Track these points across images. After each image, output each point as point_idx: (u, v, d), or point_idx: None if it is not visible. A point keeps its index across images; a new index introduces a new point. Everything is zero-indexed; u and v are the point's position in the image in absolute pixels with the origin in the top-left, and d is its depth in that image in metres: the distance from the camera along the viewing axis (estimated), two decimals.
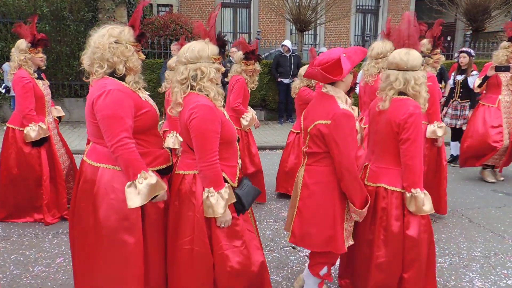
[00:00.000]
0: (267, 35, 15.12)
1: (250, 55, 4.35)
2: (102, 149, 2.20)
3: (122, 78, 2.22)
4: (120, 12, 9.12)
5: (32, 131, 3.89)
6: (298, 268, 3.35)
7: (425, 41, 4.15)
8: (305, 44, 12.08)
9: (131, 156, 2.09)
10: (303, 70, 4.71)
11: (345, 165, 2.31)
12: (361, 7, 16.25)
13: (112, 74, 2.20)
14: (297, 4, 10.80)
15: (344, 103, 2.37)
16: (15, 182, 4.01)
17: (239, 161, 2.44)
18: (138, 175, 2.10)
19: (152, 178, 2.13)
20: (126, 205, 2.09)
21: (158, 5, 15.19)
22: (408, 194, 2.44)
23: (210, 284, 2.28)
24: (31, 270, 3.26)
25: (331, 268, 2.84)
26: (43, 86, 4.07)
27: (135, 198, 2.09)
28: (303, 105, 4.59)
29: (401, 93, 2.48)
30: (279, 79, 9.56)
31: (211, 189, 2.18)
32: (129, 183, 2.11)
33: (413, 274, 2.50)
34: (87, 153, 2.30)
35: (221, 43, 2.32)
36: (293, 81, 5.60)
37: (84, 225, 2.24)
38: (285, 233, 4.00)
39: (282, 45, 9.60)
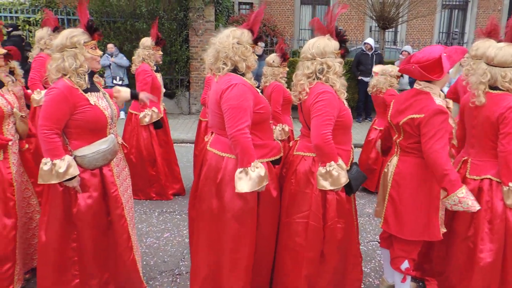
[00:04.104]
0: (346, 32, 14.98)
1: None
2: (225, 140, 2.44)
3: (242, 75, 2.46)
4: (208, 11, 9.65)
5: (146, 116, 4.46)
6: None
7: None
8: (387, 42, 11.83)
9: (248, 144, 2.31)
10: (391, 67, 4.73)
11: (432, 159, 2.34)
12: (448, 3, 15.45)
13: (234, 71, 2.45)
14: (380, 0, 10.62)
15: (439, 98, 2.44)
16: (133, 162, 4.53)
17: (352, 147, 2.66)
18: (252, 164, 2.31)
19: (262, 169, 2.34)
20: (247, 192, 2.33)
21: (239, 3, 15.75)
22: (505, 188, 2.45)
23: (319, 254, 2.55)
24: (144, 241, 3.75)
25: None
26: (160, 78, 4.65)
27: (244, 184, 2.30)
28: (384, 106, 4.58)
29: (496, 87, 2.47)
30: (359, 77, 9.52)
31: (332, 163, 2.40)
32: (240, 169, 2.32)
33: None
34: (210, 143, 2.56)
35: (341, 39, 2.49)
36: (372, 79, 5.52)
37: (206, 208, 2.52)
38: (370, 228, 4.12)
39: (365, 43, 9.54)
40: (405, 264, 2.76)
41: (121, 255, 2.65)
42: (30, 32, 9.55)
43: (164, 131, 4.76)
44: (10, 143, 2.72)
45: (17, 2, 10.24)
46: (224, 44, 2.40)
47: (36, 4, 9.92)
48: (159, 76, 4.66)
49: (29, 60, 4.65)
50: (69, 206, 2.50)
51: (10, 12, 9.56)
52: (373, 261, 3.52)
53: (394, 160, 2.67)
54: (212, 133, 2.63)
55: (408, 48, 9.40)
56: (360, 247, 3.69)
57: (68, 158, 2.39)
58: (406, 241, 2.66)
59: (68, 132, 2.46)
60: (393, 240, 2.76)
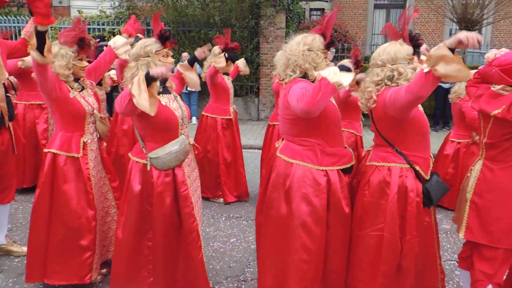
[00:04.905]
0: (423, 36, 14.24)
1: None
2: (294, 147, 2.43)
3: (313, 82, 2.40)
4: (279, 18, 9.71)
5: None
6: None
7: None
8: None
9: (310, 91, 2.10)
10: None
11: None
12: None
13: (304, 77, 2.41)
14: (463, 1, 9.93)
15: None
16: (202, 162, 4.66)
17: (431, 155, 2.48)
18: (327, 77, 2.06)
19: (333, 67, 2.12)
20: (327, 200, 2.33)
21: (311, 9, 15.68)
22: None
23: (395, 267, 2.40)
24: (211, 244, 3.82)
25: None
26: (228, 81, 4.83)
27: (343, 77, 2.06)
28: (462, 114, 4.29)
29: None
30: None
31: None
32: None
33: None
34: (280, 149, 2.54)
35: (415, 43, 2.33)
36: (452, 85, 5.16)
37: (274, 214, 2.49)
38: (448, 245, 3.82)
39: None
40: None
41: (191, 253, 2.71)
42: None
43: (232, 135, 4.87)
44: (89, 140, 2.94)
45: (104, 15, 11.16)
46: (294, 52, 2.38)
47: (120, 17, 10.72)
48: (227, 78, 4.83)
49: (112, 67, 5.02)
50: (145, 206, 2.62)
51: (98, 24, 10.41)
52: (451, 282, 3.24)
53: (478, 164, 2.50)
54: (282, 139, 2.61)
55: (494, 52, 8.65)
56: None
57: None
58: (488, 262, 2.44)
59: (143, 134, 2.60)
60: (474, 260, 2.54)
